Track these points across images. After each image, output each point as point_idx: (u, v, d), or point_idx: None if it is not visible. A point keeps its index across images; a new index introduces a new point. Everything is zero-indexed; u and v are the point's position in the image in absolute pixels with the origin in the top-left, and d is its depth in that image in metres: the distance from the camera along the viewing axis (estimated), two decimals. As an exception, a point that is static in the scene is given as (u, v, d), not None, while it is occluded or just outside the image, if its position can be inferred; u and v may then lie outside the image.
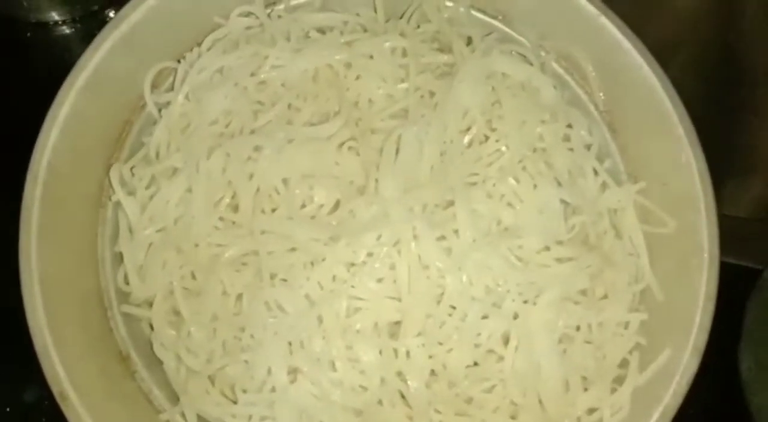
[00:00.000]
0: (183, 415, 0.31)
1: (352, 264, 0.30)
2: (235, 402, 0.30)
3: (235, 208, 0.32)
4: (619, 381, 0.31)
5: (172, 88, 0.34)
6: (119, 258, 0.33)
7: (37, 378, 0.29)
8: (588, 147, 0.34)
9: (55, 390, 0.28)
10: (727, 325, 0.33)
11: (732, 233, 0.33)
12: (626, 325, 0.32)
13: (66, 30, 0.46)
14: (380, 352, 0.30)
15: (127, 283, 0.32)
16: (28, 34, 0.46)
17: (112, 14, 0.45)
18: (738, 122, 0.48)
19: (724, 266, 0.32)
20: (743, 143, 0.48)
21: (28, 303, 0.29)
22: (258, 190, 0.32)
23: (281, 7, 0.35)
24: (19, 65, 0.46)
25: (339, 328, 0.29)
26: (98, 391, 0.29)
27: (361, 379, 0.29)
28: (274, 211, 0.32)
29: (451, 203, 0.31)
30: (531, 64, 0.34)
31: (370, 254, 0.30)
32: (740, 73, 0.49)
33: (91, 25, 0.46)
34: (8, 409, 0.38)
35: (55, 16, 0.46)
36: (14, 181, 0.31)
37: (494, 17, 0.36)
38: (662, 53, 0.34)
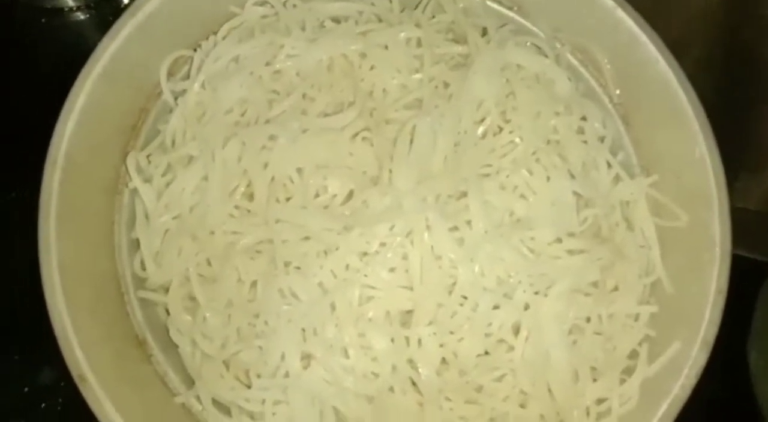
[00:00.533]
0: (198, 398, 0.31)
1: (365, 254, 0.31)
2: (249, 387, 0.31)
3: (250, 197, 0.32)
4: (629, 372, 0.32)
5: (188, 77, 0.35)
6: (136, 244, 0.33)
7: (53, 360, 0.29)
8: (602, 139, 0.34)
9: (74, 372, 0.29)
10: (736, 317, 0.33)
11: (743, 226, 0.33)
12: (636, 317, 0.32)
13: (81, 16, 0.46)
14: (392, 340, 0.30)
15: (144, 269, 0.33)
16: (43, 20, 0.46)
17: (126, 0, 0.45)
18: (751, 116, 0.48)
19: (735, 259, 0.32)
20: (756, 137, 0.48)
21: (48, 287, 0.29)
22: (273, 179, 0.32)
23: (297, -4, 0.35)
24: (34, 50, 0.46)
25: (352, 316, 0.29)
26: (115, 374, 0.30)
27: (373, 366, 0.30)
28: (288, 200, 0.32)
29: (464, 194, 0.31)
30: (546, 56, 0.34)
31: (383, 244, 0.31)
32: (754, 68, 0.48)
33: (105, 11, 0.46)
34: (26, 389, 0.39)
35: (69, 1, 0.46)
36: (32, 168, 0.31)
37: (509, 8, 0.36)
38: (676, 49, 0.34)
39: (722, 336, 0.31)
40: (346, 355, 0.30)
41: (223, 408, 0.31)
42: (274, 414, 0.30)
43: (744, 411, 0.39)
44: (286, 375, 0.30)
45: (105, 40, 0.32)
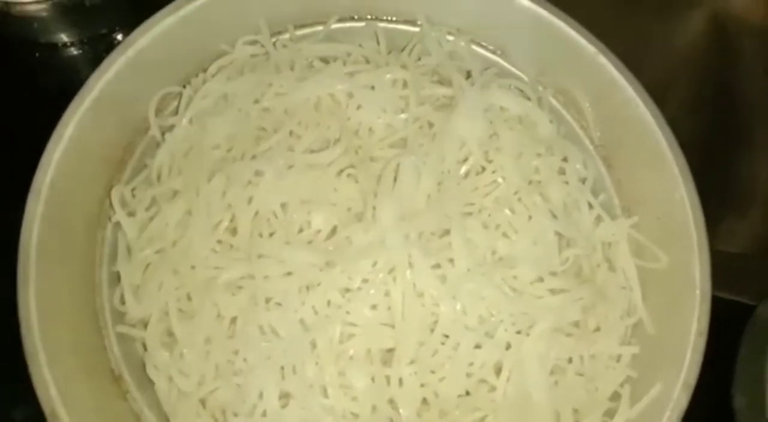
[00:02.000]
0: (173, 438, 0.31)
1: (347, 290, 0.31)
2: (225, 426, 0.30)
3: (234, 232, 0.32)
4: (611, 414, 0.31)
5: (176, 112, 0.35)
6: (116, 277, 0.33)
7: (26, 396, 0.28)
8: (583, 180, 0.35)
9: (46, 409, 0.28)
10: (720, 360, 0.33)
11: (727, 268, 0.34)
12: (618, 358, 0.32)
13: (74, 51, 0.47)
14: (372, 379, 0.30)
15: (123, 303, 0.32)
16: (37, 55, 0.47)
17: (120, 37, 0.46)
18: (734, 159, 0.49)
19: (719, 301, 0.32)
20: (739, 179, 0.48)
21: (24, 322, 0.29)
22: (257, 213, 0.32)
23: (286, 36, 0.36)
24: (27, 85, 0.47)
25: (332, 354, 0.29)
26: (89, 411, 0.29)
27: (353, 406, 0.29)
28: (271, 235, 0.32)
29: (447, 232, 0.31)
30: (528, 99, 0.35)
31: (365, 280, 0.31)
32: (736, 109, 0.50)
33: (98, 48, 0.46)
34: (-2, 426, 0.38)
35: (63, 37, 0.47)
36: (19, 198, 0.31)
37: (493, 52, 0.37)
38: (658, 89, 0.34)
39: (706, 379, 0.31)
40: (326, 395, 0.29)
41: (199, 447, 0.31)
42: (250, 454, 0.30)
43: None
44: (264, 414, 0.30)
45: (96, 73, 0.33)
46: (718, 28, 0.51)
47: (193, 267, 0.32)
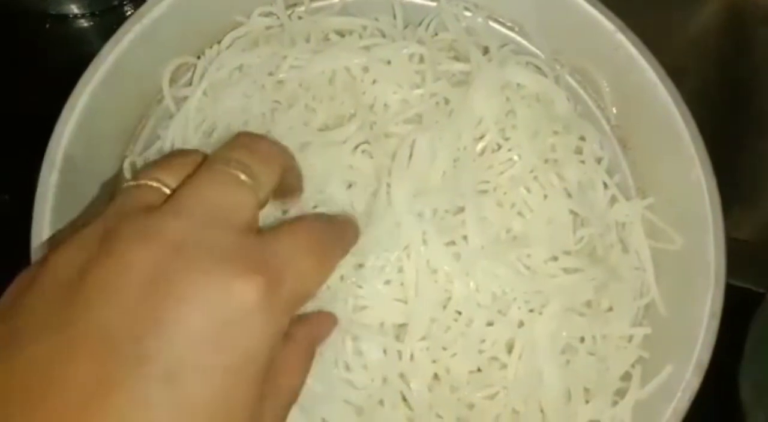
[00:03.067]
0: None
1: (360, 266, 0.31)
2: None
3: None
4: (621, 394, 0.31)
5: (190, 84, 0.35)
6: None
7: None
8: (599, 160, 0.34)
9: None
10: (728, 347, 0.33)
11: (736, 255, 0.33)
12: (630, 339, 0.32)
13: (84, 23, 0.47)
14: (384, 352, 0.30)
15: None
16: (47, 26, 0.47)
17: (130, 11, 0.46)
18: (745, 148, 0.49)
19: (728, 288, 0.32)
20: (749, 169, 0.48)
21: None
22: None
23: (302, 8, 0.36)
24: (37, 57, 0.46)
25: (346, 322, 0.29)
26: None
27: (364, 376, 0.29)
28: (285, 213, 0.32)
29: (462, 209, 0.31)
30: (546, 76, 0.35)
31: (378, 257, 0.31)
32: (749, 99, 0.49)
33: (109, 20, 0.46)
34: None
35: (74, 9, 0.46)
36: (30, 175, 0.31)
37: (511, 29, 0.36)
38: (673, 77, 0.34)
39: (713, 366, 0.31)
40: (337, 364, 0.29)
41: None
42: (261, 425, 0.30)
43: (735, 443, 0.38)
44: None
45: (109, 43, 0.32)
46: (734, 17, 0.51)
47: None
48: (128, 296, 0.19)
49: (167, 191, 0.22)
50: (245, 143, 0.23)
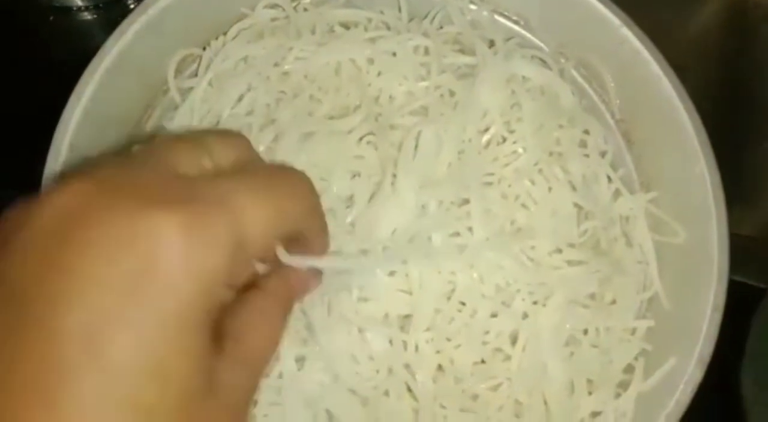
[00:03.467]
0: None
1: (365, 251, 0.31)
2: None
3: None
4: (624, 386, 0.32)
5: (195, 75, 0.35)
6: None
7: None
8: (603, 154, 0.35)
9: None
10: (729, 344, 0.33)
11: (738, 251, 0.33)
12: (633, 331, 0.32)
13: (88, 16, 0.47)
14: (390, 342, 0.30)
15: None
16: (51, 18, 0.47)
17: (134, 3, 0.46)
18: (746, 145, 0.49)
19: (729, 284, 0.32)
20: (751, 166, 0.48)
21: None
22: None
23: (307, 1, 0.36)
24: (40, 49, 0.46)
25: (350, 312, 0.29)
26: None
27: (370, 367, 0.29)
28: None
29: (466, 201, 0.31)
30: (550, 70, 0.35)
31: (383, 247, 0.31)
32: (750, 98, 0.49)
33: (113, 13, 0.46)
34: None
35: (78, 1, 0.46)
36: (35, 167, 0.31)
37: (516, 23, 0.37)
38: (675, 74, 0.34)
39: (714, 362, 0.31)
40: (343, 355, 0.29)
41: (214, 408, 0.31)
42: (266, 415, 0.30)
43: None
44: (280, 375, 0.30)
45: (115, 34, 0.32)
46: (735, 15, 0.51)
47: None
48: (36, 244, 0.17)
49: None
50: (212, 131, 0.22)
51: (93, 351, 0.16)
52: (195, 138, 0.21)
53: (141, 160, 0.19)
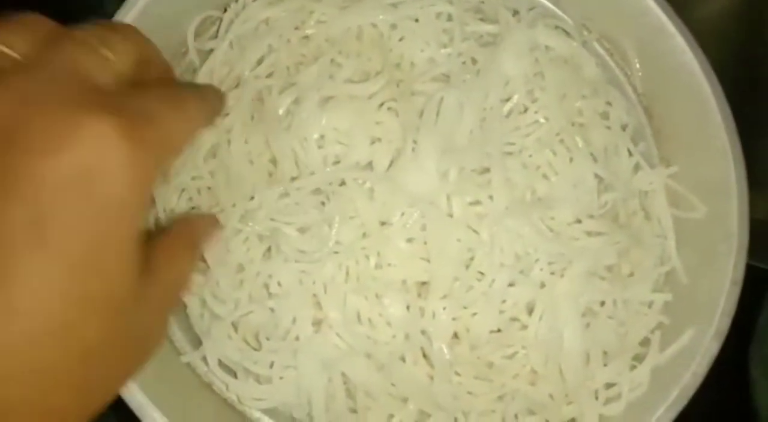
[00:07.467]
0: (204, 359, 0.31)
1: (384, 223, 0.31)
2: (257, 350, 0.30)
3: (273, 161, 0.32)
4: (640, 358, 0.32)
5: (215, 37, 0.34)
6: (151, 201, 0.33)
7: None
8: (624, 127, 0.34)
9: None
10: (740, 326, 0.33)
11: (751, 234, 0.33)
12: (650, 304, 0.32)
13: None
14: (407, 308, 0.30)
15: (157, 227, 0.32)
16: (65, -18, 0.46)
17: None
18: (762, 129, 0.48)
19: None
20: (765, 149, 0.48)
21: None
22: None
23: (329, -36, 0.35)
24: (54, 12, 0.46)
25: (368, 278, 0.29)
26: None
27: (387, 332, 0.29)
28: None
29: (487, 170, 0.31)
30: (574, 41, 0.34)
31: (402, 213, 0.30)
32: (765, 81, 0.49)
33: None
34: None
35: (93, -34, 0.46)
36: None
37: (540, -7, 0.36)
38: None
39: (724, 343, 0.31)
40: (360, 319, 0.29)
41: (229, 370, 0.31)
42: (281, 378, 0.30)
43: (744, 418, 0.38)
44: (297, 338, 0.30)
45: (131, -1, 0.32)
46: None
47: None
48: None
49: (16, 56, 0.20)
50: (104, 23, 0.23)
51: (39, 239, 0.18)
52: (96, 36, 0.22)
53: (49, 68, 0.20)
